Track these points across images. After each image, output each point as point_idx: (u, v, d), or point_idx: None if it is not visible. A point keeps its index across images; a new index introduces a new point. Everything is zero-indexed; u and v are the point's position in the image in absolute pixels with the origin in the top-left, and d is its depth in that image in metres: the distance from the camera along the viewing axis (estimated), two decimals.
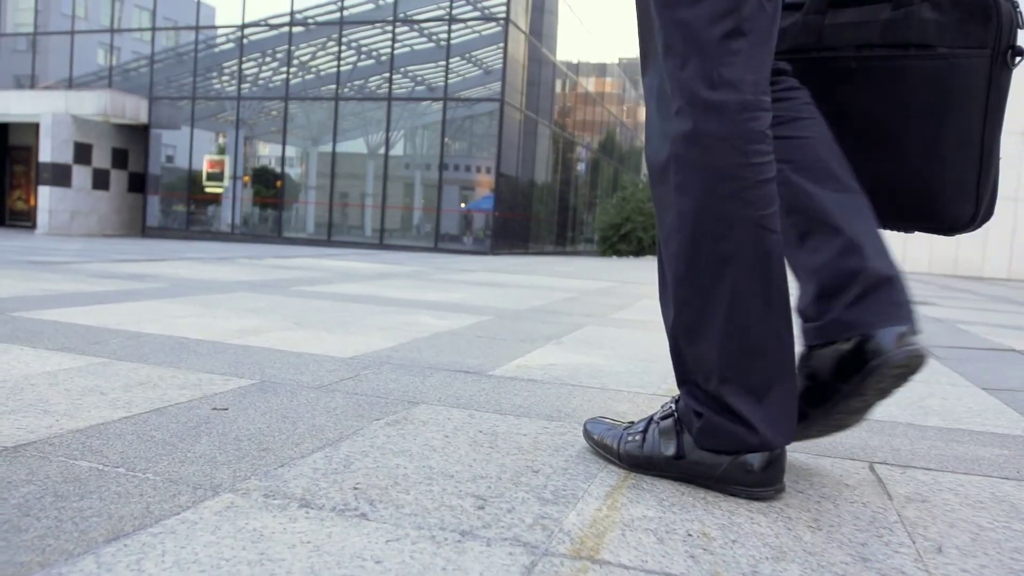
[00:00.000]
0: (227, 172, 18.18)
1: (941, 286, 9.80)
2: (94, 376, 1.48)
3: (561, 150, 21.81)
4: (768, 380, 0.95)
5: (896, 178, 1.05)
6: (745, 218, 0.92)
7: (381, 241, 16.87)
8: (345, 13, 16.40)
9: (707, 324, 0.96)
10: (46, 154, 16.16)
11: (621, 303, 3.87)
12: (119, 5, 19.05)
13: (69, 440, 1.06)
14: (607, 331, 2.68)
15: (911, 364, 0.94)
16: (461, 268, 6.67)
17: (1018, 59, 0.98)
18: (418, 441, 1.17)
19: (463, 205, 17.47)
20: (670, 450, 1.02)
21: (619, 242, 20.18)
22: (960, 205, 1.03)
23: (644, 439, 1.06)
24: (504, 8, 16.23)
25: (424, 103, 16.75)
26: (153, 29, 18.24)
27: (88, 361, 1.62)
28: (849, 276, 0.97)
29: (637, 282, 5.96)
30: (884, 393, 0.98)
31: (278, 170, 18.61)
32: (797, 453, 1.20)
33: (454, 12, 16.58)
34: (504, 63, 16.20)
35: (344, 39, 16.45)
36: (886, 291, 0.96)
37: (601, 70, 26.22)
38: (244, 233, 17.75)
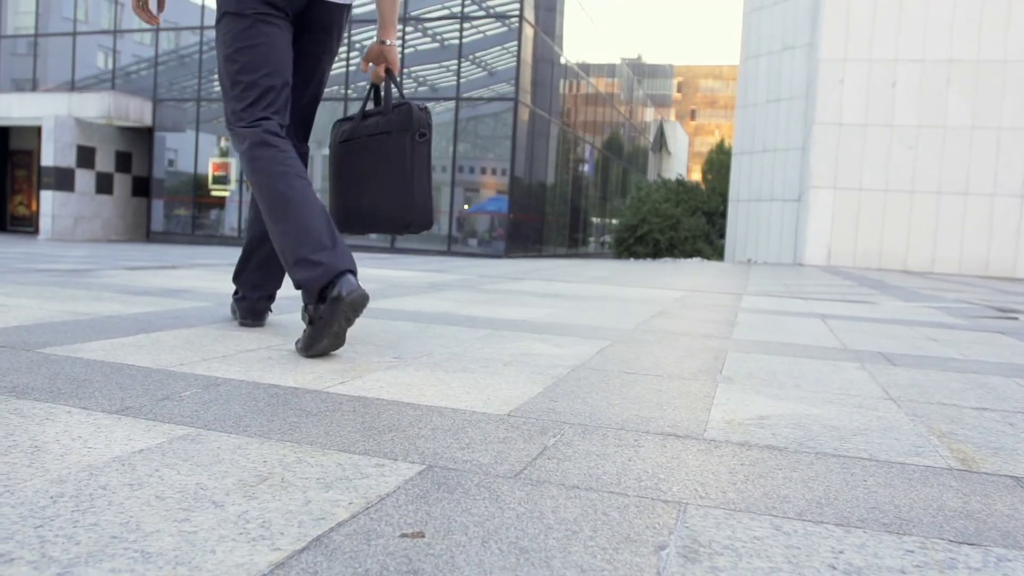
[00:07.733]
0: (233, 175, 17.70)
1: (993, 289, 9.36)
2: (188, 465, 1.01)
3: (572, 150, 21.37)
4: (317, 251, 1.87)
5: (386, 204, 2.10)
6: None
7: (392, 244, 16.36)
8: (351, 13, 15.85)
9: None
10: (48, 158, 15.65)
11: (721, 318, 3.40)
12: (119, 8, 18.57)
13: None
14: (760, 360, 2.21)
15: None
16: (507, 276, 6.21)
17: (422, 138, 2.06)
18: None
19: (466, 207, 16.96)
20: (306, 319, 1.87)
21: (635, 244, 19.67)
22: (405, 213, 2.09)
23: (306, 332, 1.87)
24: (518, 6, 15.78)
25: (432, 103, 16.26)
26: (156, 30, 17.75)
27: (168, 433, 1.15)
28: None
29: (703, 289, 5.48)
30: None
31: None
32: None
33: (465, 11, 16.13)
34: (518, 62, 15.75)
35: (350, 39, 15.98)
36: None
37: (611, 70, 25.78)
38: None
